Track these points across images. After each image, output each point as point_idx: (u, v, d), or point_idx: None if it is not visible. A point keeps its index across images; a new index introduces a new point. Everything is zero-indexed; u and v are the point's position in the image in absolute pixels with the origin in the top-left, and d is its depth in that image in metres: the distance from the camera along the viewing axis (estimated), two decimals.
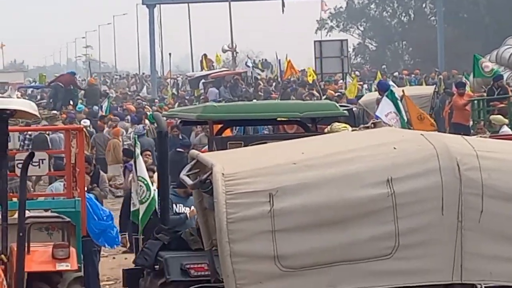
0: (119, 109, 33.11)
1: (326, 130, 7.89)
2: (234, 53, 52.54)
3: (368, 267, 3.68)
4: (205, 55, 53.53)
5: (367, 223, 3.70)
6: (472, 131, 20.09)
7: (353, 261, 3.66)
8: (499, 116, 17.77)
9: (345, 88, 29.02)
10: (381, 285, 3.74)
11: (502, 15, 56.91)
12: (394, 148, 3.93)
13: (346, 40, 45.11)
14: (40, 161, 9.24)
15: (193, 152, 4.84)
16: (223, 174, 3.71)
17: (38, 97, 43.19)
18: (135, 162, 9.25)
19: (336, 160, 3.92)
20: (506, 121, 17.61)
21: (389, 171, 3.75)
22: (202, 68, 51.20)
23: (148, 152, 13.66)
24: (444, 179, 3.70)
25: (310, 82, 34.96)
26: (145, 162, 10.01)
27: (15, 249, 7.07)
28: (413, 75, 43.92)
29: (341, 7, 67.60)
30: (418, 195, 3.72)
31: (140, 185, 8.88)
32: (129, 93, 48.49)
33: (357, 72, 46.03)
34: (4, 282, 6.64)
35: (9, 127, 8.00)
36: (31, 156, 7.07)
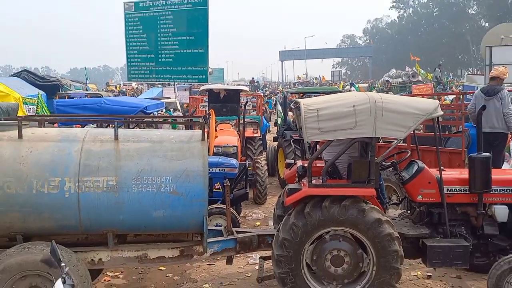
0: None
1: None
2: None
3: (350, 131, 4.70)
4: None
5: (348, 117, 4.68)
6: None
7: (342, 130, 4.70)
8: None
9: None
10: (349, 137, 4.77)
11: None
12: (355, 96, 5.02)
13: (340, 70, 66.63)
14: None
15: (295, 99, 5.59)
16: (303, 103, 4.87)
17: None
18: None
19: (337, 99, 5.03)
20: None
21: (353, 103, 4.75)
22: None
23: None
24: (371, 105, 4.67)
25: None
26: None
27: None
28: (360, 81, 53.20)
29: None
30: (362, 110, 4.67)
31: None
32: None
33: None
34: None
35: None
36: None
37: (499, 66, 8.96)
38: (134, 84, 36.86)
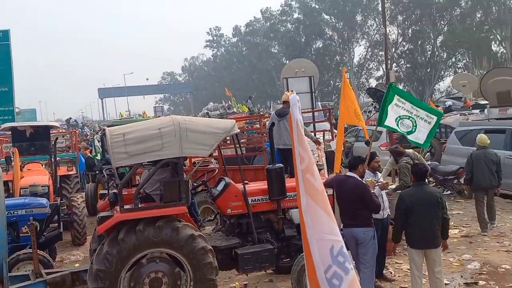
0: None
1: None
2: None
3: (157, 153, 4.99)
4: None
5: (155, 140, 4.71)
6: None
7: (150, 152, 4.79)
8: None
9: None
10: (157, 158, 4.84)
11: None
12: (161, 119, 5.06)
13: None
14: None
15: (104, 128, 5.42)
16: (108, 129, 4.83)
17: None
18: None
19: (143, 123, 5.11)
20: None
21: (159, 125, 4.78)
22: None
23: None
24: (175, 127, 4.73)
25: None
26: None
27: None
28: None
29: None
30: (168, 132, 4.73)
31: None
32: None
33: None
34: None
35: None
36: None
37: (289, 92, 10.19)
38: None
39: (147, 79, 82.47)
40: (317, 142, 9.14)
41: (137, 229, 4.73)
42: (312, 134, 9.34)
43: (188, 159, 8.84)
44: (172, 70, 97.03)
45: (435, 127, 6.43)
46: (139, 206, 4.95)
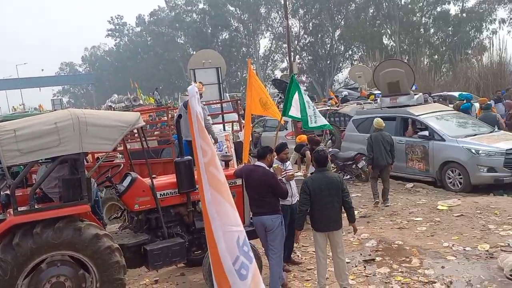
0: None
1: None
2: None
3: (54, 149, 4.60)
4: None
5: (51, 135, 4.36)
6: None
7: (46, 149, 4.52)
8: None
9: None
10: (54, 155, 4.51)
11: None
12: (57, 113, 4.74)
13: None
14: None
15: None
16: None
17: None
18: None
19: (37, 118, 4.72)
20: None
21: (55, 120, 4.45)
22: None
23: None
24: (73, 121, 4.44)
25: None
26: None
27: None
28: None
29: None
30: (65, 126, 4.43)
31: None
32: None
33: None
34: None
35: None
36: None
37: (197, 83, 10.06)
38: None
39: (42, 70, 76.00)
40: (216, 140, 8.49)
41: (34, 232, 4.42)
42: (214, 131, 8.56)
43: (91, 155, 8.37)
44: (71, 60, 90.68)
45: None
46: (36, 207, 4.58)
